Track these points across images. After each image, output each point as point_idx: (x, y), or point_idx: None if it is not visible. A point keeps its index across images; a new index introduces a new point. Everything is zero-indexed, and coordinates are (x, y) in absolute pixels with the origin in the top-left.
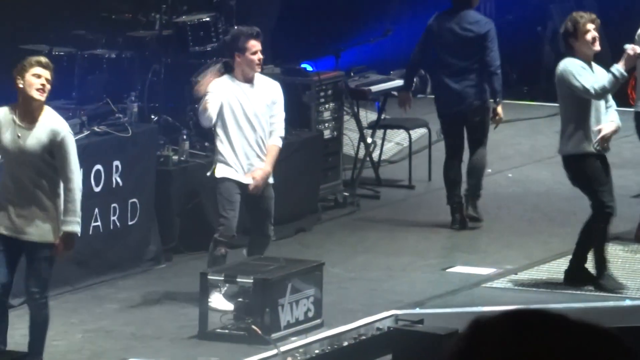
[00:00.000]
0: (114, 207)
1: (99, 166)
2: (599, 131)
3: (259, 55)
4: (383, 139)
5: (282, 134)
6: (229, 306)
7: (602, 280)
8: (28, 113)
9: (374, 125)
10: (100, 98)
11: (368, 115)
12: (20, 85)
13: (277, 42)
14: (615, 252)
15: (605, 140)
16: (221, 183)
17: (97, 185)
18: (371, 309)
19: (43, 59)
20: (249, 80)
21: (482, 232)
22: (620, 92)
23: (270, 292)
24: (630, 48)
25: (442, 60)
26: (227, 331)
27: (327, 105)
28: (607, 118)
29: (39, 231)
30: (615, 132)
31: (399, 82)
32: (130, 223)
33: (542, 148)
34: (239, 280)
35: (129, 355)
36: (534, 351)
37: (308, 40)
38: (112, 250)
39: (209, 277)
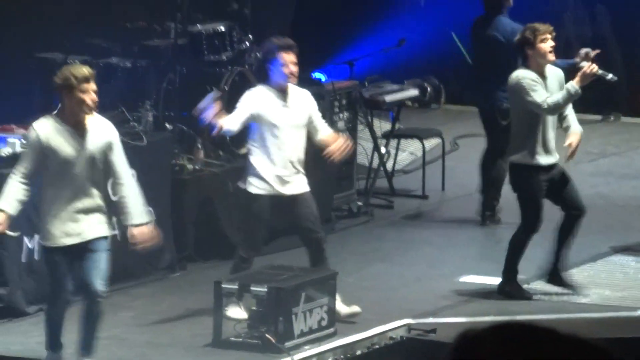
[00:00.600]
0: None
1: None
2: (569, 145)
3: (295, 67)
4: (397, 149)
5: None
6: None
7: (507, 287)
8: (79, 122)
9: (387, 135)
10: (115, 107)
11: (382, 125)
12: (68, 100)
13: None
14: (626, 263)
15: (573, 153)
16: (254, 200)
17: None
18: (384, 317)
19: (88, 72)
20: (284, 91)
21: (495, 242)
22: None
23: (284, 301)
24: (586, 66)
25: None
26: (241, 340)
27: (341, 115)
28: (571, 128)
29: (101, 227)
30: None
31: (413, 92)
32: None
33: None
34: (252, 289)
35: None
36: None
37: (322, 48)
38: (126, 258)
39: (223, 285)
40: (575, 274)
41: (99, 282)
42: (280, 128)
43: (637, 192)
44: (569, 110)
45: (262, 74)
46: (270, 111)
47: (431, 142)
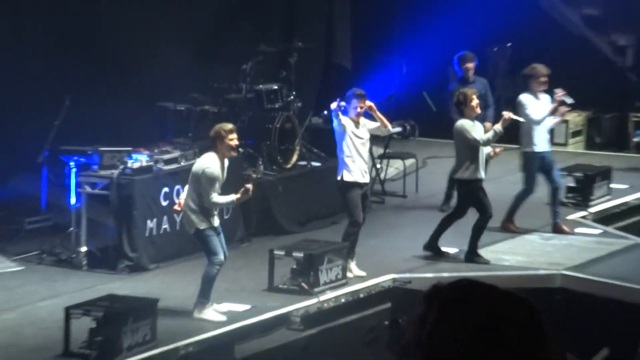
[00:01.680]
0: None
1: None
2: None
3: (363, 109)
4: (387, 165)
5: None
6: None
7: (475, 257)
8: (225, 159)
9: (381, 156)
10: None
11: (377, 150)
12: (221, 146)
13: (322, 102)
14: (534, 239)
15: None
16: (351, 186)
17: None
18: (378, 273)
19: (232, 126)
20: (357, 120)
21: (454, 225)
22: None
23: (314, 262)
24: (506, 114)
25: None
26: (286, 286)
27: None
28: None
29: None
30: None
31: (398, 129)
32: (225, 217)
33: None
34: (294, 254)
35: (225, 301)
36: (471, 310)
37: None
38: None
39: (275, 251)
40: (500, 246)
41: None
42: (357, 141)
43: (540, 195)
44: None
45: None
46: (353, 130)
47: (409, 161)
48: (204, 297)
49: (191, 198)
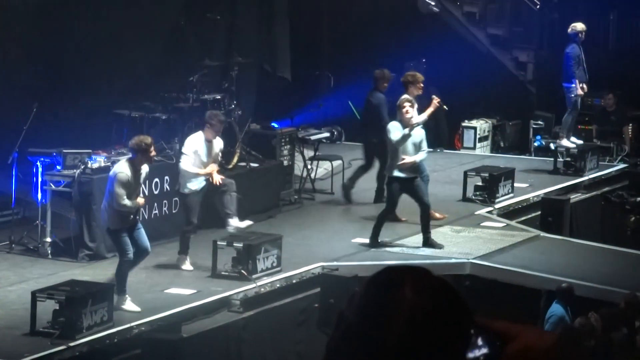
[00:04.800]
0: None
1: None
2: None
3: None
4: (317, 166)
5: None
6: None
7: (431, 241)
8: (143, 168)
9: (312, 158)
10: (158, 141)
11: (308, 153)
12: (142, 156)
13: (259, 110)
14: (446, 232)
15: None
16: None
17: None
18: (309, 261)
19: (152, 140)
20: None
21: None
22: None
23: (253, 251)
24: (435, 99)
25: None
26: (227, 273)
27: (286, 147)
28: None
29: None
30: (412, 163)
31: (326, 134)
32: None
33: None
34: (234, 244)
35: (173, 286)
36: (408, 291)
37: (275, 109)
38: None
39: (218, 242)
40: (417, 238)
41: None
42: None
43: (453, 193)
44: (425, 147)
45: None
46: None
47: (336, 163)
48: (120, 291)
49: (106, 198)
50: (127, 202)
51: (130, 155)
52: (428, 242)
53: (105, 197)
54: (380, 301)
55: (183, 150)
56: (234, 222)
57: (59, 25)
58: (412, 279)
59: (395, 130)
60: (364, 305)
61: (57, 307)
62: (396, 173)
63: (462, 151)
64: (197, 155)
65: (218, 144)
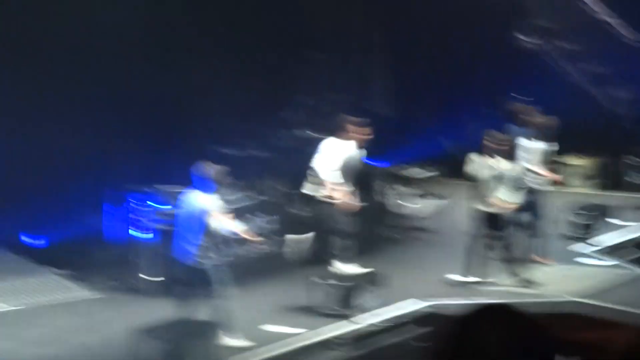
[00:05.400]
0: None
1: None
2: None
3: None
4: (421, 203)
5: None
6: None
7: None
8: None
9: (415, 195)
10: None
11: (410, 190)
12: None
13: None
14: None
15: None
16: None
17: None
18: (409, 298)
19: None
20: None
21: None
22: None
23: (355, 290)
24: None
25: None
26: (328, 312)
27: (390, 185)
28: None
29: None
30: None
31: (433, 173)
32: None
33: None
34: (334, 283)
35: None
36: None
37: (373, 146)
38: None
39: (316, 280)
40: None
41: None
42: None
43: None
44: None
45: None
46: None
47: (440, 201)
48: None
49: None
50: None
51: None
52: (525, 281)
53: None
54: (474, 340)
55: None
56: (340, 265)
57: (167, 68)
58: (498, 316)
59: None
60: (461, 343)
61: None
62: None
63: (562, 188)
64: None
65: None
